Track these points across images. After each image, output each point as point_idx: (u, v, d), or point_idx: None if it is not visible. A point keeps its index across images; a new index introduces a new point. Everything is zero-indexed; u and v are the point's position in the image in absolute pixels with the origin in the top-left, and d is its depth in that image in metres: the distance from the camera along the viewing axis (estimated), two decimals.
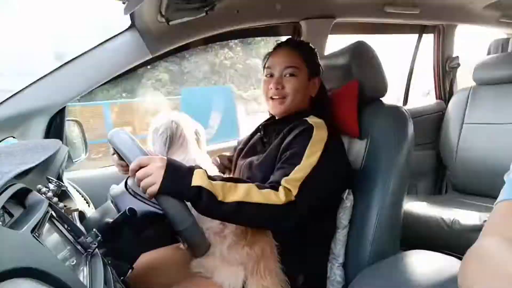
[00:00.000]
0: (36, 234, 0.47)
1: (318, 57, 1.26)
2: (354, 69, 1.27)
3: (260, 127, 1.27)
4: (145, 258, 1.19)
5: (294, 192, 0.97)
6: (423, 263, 1.01)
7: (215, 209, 0.91)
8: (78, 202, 1.17)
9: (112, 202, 1.04)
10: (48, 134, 1.34)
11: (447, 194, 2.23)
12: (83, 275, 0.57)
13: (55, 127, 1.34)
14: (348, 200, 1.17)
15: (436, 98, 2.41)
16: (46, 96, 1.27)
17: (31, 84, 1.25)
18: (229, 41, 1.70)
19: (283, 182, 0.99)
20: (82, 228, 0.87)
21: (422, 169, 2.28)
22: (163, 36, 1.34)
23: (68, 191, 1.17)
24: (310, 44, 1.26)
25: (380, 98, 1.32)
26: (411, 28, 2.24)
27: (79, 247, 0.66)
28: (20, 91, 1.24)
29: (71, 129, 1.58)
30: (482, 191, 1.97)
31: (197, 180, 0.89)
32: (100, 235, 0.69)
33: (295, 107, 1.18)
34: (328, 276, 1.16)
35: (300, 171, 1.01)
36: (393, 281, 0.93)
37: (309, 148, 1.04)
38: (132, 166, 0.89)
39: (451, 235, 1.62)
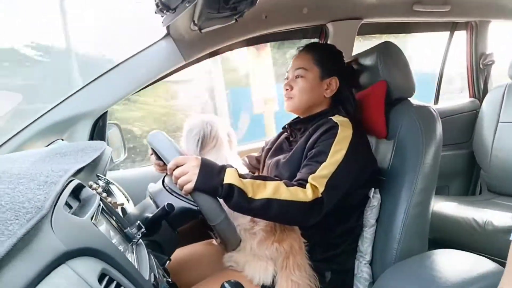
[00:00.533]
0: (94, 222, 0.55)
1: (342, 58, 1.28)
2: (381, 70, 1.29)
3: (286, 126, 1.32)
4: (181, 252, 1.27)
5: (321, 189, 1.01)
6: (450, 261, 1.02)
7: (245, 205, 0.96)
8: (120, 199, 1.27)
9: (151, 198, 1.13)
10: (92, 136, 1.46)
11: (481, 195, 2.16)
12: (133, 259, 0.64)
13: (98, 130, 1.45)
14: (375, 199, 1.19)
15: (470, 96, 2.35)
16: (90, 101, 1.38)
17: (77, 91, 1.36)
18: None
19: (309, 179, 1.03)
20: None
21: (455, 169, 2.23)
22: (196, 43, 1.42)
23: (111, 188, 1.28)
24: (332, 45, 1.29)
25: (408, 98, 1.33)
26: (443, 26, 2.20)
27: (124, 237, 0.74)
28: (68, 97, 1.36)
29: (111, 132, 1.70)
30: None
31: (229, 178, 0.95)
32: (143, 227, 0.77)
33: (304, 107, 1.23)
34: (355, 274, 1.19)
35: (326, 169, 1.04)
36: (418, 279, 0.94)
37: (334, 146, 1.08)
38: (169, 165, 0.97)
39: (483, 236, 1.58)
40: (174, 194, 1.09)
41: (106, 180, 0.80)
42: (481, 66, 2.24)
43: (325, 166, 1.05)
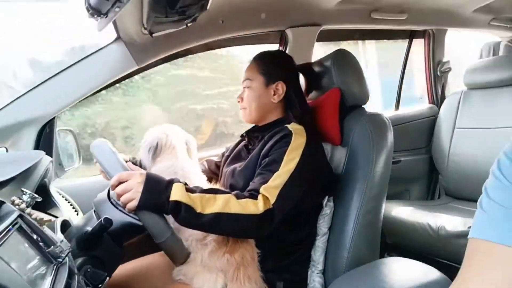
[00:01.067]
0: None
1: (289, 63, 1.28)
2: (335, 77, 1.29)
3: (244, 134, 1.30)
4: (131, 265, 1.22)
5: (272, 200, 1.00)
6: (398, 270, 1.03)
7: (194, 221, 0.93)
8: (65, 211, 1.20)
9: (94, 211, 1.07)
10: (38, 144, 1.38)
11: (439, 199, 2.22)
12: (47, 283, 0.60)
13: (45, 137, 1.37)
14: (327, 207, 1.19)
15: (429, 103, 2.42)
16: (35, 107, 1.31)
17: (20, 96, 1.29)
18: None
19: (261, 190, 1.01)
20: (60, 237, 0.90)
21: (415, 174, 2.28)
22: (148, 47, 1.37)
23: (55, 200, 1.21)
24: (279, 50, 1.30)
25: (363, 106, 1.34)
26: (402, 33, 2.25)
27: (48, 256, 0.69)
28: (10, 103, 1.28)
29: (64, 139, 1.63)
30: (473, 195, 1.96)
31: (175, 194, 0.92)
32: (69, 246, 0.72)
33: (257, 116, 1.24)
34: (308, 283, 1.18)
35: (279, 178, 1.03)
36: None
37: (287, 155, 1.07)
38: (112, 181, 0.92)
39: (437, 241, 1.62)
40: (119, 208, 1.04)
41: (31, 195, 0.74)
42: (438, 73, 2.31)
43: (277, 175, 1.04)
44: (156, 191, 0.90)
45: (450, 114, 2.18)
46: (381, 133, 1.23)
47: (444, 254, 1.62)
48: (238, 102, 1.27)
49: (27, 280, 0.53)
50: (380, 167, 1.19)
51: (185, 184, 0.96)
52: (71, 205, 1.34)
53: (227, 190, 1.04)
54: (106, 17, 0.76)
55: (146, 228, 0.91)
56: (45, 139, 1.38)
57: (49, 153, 1.41)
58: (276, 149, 1.10)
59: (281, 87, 1.22)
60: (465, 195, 2.06)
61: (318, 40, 1.79)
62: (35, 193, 0.90)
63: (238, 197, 0.99)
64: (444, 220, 1.64)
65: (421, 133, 2.30)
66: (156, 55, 1.41)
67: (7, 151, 1.33)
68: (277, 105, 1.24)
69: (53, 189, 1.26)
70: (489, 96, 2.03)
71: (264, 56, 1.28)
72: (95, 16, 0.75)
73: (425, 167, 2.30)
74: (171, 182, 0.94)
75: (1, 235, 0.57)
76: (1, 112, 1.29)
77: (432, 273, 0.99)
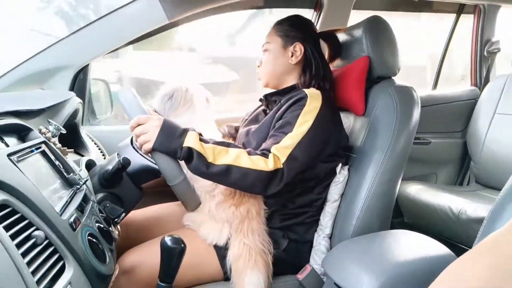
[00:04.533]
0: (14, 159, 0.56)
1: (308, 26, 1.25)
2: (366, 45, 1.25)
3: (263, 98, 1.30)
4: (148, 210, 1.30)
5: (283, 159, 1.01)
6: (404, 242, 1.02)
7: (204, 169, 0.97)
8: (93, 152, 1.28)
9: (117, 153, 1.14)
10: (72, 90, 1.46)
11: (468, 186, 2.13)
12: (61, 203, 0.66)
13: (78, 84, 1.45)
14: (341, 175, 1.18)
15: (471, 85, 2.27)
16: (70, 54, 1.37)
17: (55, 42, 1.35)
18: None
19: (273, 149, 1.02)
20: (83, 172, 0.97)
21: (445, 157, 2.18)
22: (180, 2, 1.38)
23: (84, 141, 1.29)
24: (298, 14, 1.29)
25: (392, 77, 1.29)
26: (450, 7, 2.10)
27: (68, 181, 0.75)
28: (46, 48, 1.35)
29: (99, 88, 1.71)
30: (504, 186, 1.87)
31: (189, 141, 0.95)
32: (87, 175, 0.78)
33: (273, 79, 1.24)
34: (313, 246, 1.20)
35: (290, 139, 1.04)
36: (364, 255, 0.95)
37: (301, 117, 1.07)
38: (131, 123, 0.97)
39: (457, 225, 1.57)
40: (139, 152, 1.10)
41: (56, 126, 0.81)
42: (485, 53, 2.14)
43: (290, 136, 1.05)
44: (170, 136, 0.94)
45: (492, 98, 2.04)
46: (408, 106, 1.18)
47: (463, 238, 1.58)
48: (258, 67, 1.27)
49: (45, 195, 0.59)
50: (401, 140, 1.15)
51: (200, 134, 0.99)
52: (99, 149, 1.42)
53: (240, 146, 1.06)
54: None
55: (160, 170, 0.96)
56: (78, 85, 1.46)
57: (82, 99, 1.50)
58: (290, 111, 1.10)
59: (299, 48, 1.20)
60: (496, 184, 1.96)
61: (356, 8, 1.71)
62: (65, 130, 0.98)
63: (249, 153, 1.01)
64: (466, 205, 1.58)
65: (457, 116, 2.18)
66: (186, 11, 1.42)
67: None
68: (295, 68, 1.22)
69: (83, 132, 1.35)
70: None
71: (282, 20, 1.26)
72: None
73: (457, 152, 2.19)
74: (186, 130, 0.97)
75: (23, 153, 0.62)
76: (38, 56, 1.37)
77: (439, 248, 0.97)
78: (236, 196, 1.09)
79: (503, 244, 0.47)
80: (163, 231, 1.21)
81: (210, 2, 1.44)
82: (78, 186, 0.75)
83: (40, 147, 0.71)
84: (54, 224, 0.53)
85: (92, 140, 1.41)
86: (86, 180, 0.78)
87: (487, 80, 2.18)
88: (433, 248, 0.97)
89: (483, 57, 2.17)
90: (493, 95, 2.04)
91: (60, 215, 0.59)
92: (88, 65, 1.44)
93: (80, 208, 0.68)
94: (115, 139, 1.39)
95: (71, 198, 0.70)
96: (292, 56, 1.20)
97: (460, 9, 2.10)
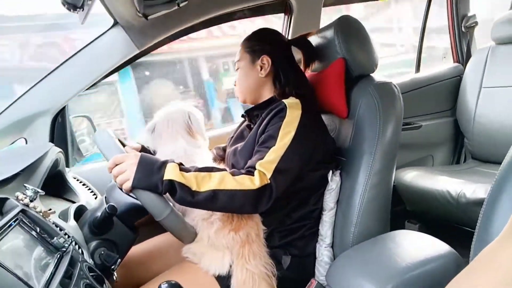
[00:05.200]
0: None
1: (274, 37, 1.24)
2: (339, 46, 1.23)
3: (245, 113, 1.29)
4: (144, 245, 1.28)
5: (269, 174, 1.00)
6: (406, 244, 1.01)
7: (190, 199, 0.95)
8: (83, 196, 1.26)
9: (105, 196, 1.13)
10: (53, 133, 1.45)
11: (465, 163, 2.12)
12: (47, 273, 0.64)
13: (58, 126, 1.44)
14: (333, 181, 1.17)
15: (454, 62, 2.25)
16: (44, 99, 1.36)
17: (29, 89, 1.34)
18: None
19: (257, 165, 1.01)
20: (71, 224, 0.96)
21: (439, 138, 2.18)
22: (146, 30, 1.36)
23: (72, 186, 1.27)
24: (263, 28, 1.28)
25: (371, 74, 1.27)
26: None
27: (52, 246, 0.73)
28: (21, 96, 1.34)
29: (81, 125, 1.69)
30: (501, 159, 1.85)
31: (169, 173, 0.93)
32: (71, 236, 0.76)
33: (249, 95, 1.23)
34: (316, 257, 1.19)
35: (274, 153, 1.03)
36: (366, 264, 0.94)
37: (282, 129, 1.05)
38: (108, 164, 0.95)
39: (457, 208, 1.57)
40: (124, 191, 1.08)
41: (33, 189, 0.79)
42: (463, 29, 2.13)
43: (273, 150, 1.03)
44: (149, 171, 0.93)
45: (476, 72, 2.03)
46: (389, 102, 1.16)
47: (465, 221, 1.57)
48: (234, 85, 1.27)
49: (23, 275, 0.57)
50: (387, 138, 1.14)
51: (180, 164, 0.98)
52: (89, 189, 1.41)
53: (223, 168, 1.05)
54: (82, 10, 0.75)
55: (145, 207, 0.95)
56: (58, 128, 1.44)
57: (64, 140, 1.48)
58: (271, 124, 1.09)
59: (266, 61, 1.19)
60: (492, 158, 1.96)
61: (326, 5, 1.69)
62: (50, 181, 0.96)
63: (233, 174, 0.99)
64: (465, 187, 1.57)
65: (444, 95, 2.17)
66: (155, 38, 1.40)
67: (26, 141, 1.40)
68: (267, 80, 1.21)
69: (70, 176, 1.33)
70: None
71: (249, 37, 1.26)
72: (72, 10, 0.75)
73: (449, 131, 2.18)
74: (165, 162, 0.95)
75: (2, 231, 0.61)
76: (14, 105, 1.35)
77: (439, 247, 0.96)
78: (235, 221, 1.07)
79: (501, 258, 0.47)
80: (163, 265, 1.20)
81: (175, 26, 1.42)
82: (64, 249, 0.74)
83: (17, 218, 0.69)
84: None
85: (81, 182, 1.39)
86: (72, 241, 0.76)
87: (469, 55, 2.16)
88: (434, 248, 0.96)
89: (462, 33, 2.15)
90: (476, 70, 2.03)
91: None
92: (65, 106, 1.42)
93: (68, 275, 0.67)
94: (105, 176, 1.38)
95: (57, 265, 0.68)
96: (261, 69, 1.19)
97: None
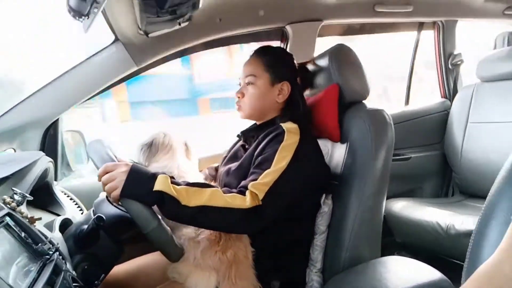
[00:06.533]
0: None
1: (292, 61, 1.26)
2: (333, 73, 1.27)
3: (240, 134, 1.29)
4: (129, 264, 1.24)
5: (261, 196, 0.98)
6: (396, 270, 1.00)
7: (178, 212, 0.93)
8: (69, 209, 1.23)
9: (93, 210, 1.10)
10: (44, 145, 1.43)
11: (453, 197, 2.15)
12: (28, 280, 0.61)
13: (49, 139, 1.42)
14: (325, 205, 1.17)
15: (441, 97, 2.34)
16: (38, 110, 1.35)
17: (24, 99, 1.33)
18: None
19: (250, 186, 1.00)
20: (56, 235, 0.93)
21: (427, 171, 2.21)
22: (146, 48, 1.39)
23: (58, 199, 1.24)
24: (282, 48, 1.28)
25: (363, 101, 1.31)
26: (411, 25, 2.19)
27: (36, 253, 0.70)
28: (15, 106, 1.33)
29: (73, 139, 1.67)
30: (487, 193, 1.89)
31: (159, 185, 0.92)
32: (55, 244, 0.73)
33: (257, 114, 1.22)
34: (306, 282, 1.16)
35: (268, 176, 1.02)
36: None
37: (279, 153, 1.05)
38: (99, 172, 0.94)
39: (447, 240, 1.57)
40: (114, 203, 1.06)
41: (21, 194, 0.77)
42: (450, 66, 2.23)
43: (268, 173, 1.02)
44: (139, 181, 0.91)
45: (463, 108, 2.10)
46: (381, 129, 1.19)
47: (454, 253, 1.57)
48: (238, 97, 1.23)
49: (4, 277, 0.55)
50: (379, 164, 1.15)
51: (171, 177, 0.96)
52: (76, 204, 1.37)
53: (215, 185, 1.04)
54: (88, 18, 0.77)
55: (132, 218, 0.92)
56: (49, 140, 1.42)
57: (55, 153, 1.46)
58: (269, 147, 1.09)
59: (286, 87, 1.20)
60: (479, 192, 1.99)
61: (321, 35, 1.76)
62: (37, 192, 0.93)
63: (225, 192, 0.98)
64: (454, 219, 1.58)
65: (432, 129, 2.23)
66: (154, 56, 1.42)
67: (14, 151, 1.38)
68: (280, 105, 1.22)
69: (57, 189, 1.30)
70: (503, 89, 1.94)
71: (268, 52, 1.24)
72: (77, 18, 0.77)
73: (437, 164, 2.22)
74: (156, 174, 0.94)
75: None
76: (7, 114, 1.34)
77: (432, 274, 0.95)
78: (222, 241, 1.05)
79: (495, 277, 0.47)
80: (148, 285, 1.16)
81: (175, 45, 1.45)
82: (48, 257, 0.71)
83: (3, 221, 0.67)
84: None
85: (68, 196, 1.36)
86: (57, 249, 0.73)
87: (455, 91, 2.25)
88: (425, 274, 0.95)
89: (448, 70, 2.25)
90: (463, 105, 2.10)
91: None
92: (58, 119, 1.41)
93: (50, 283, 0.64)
94: (92, 193, 1.35)
95: (40, 272, 0.65)
96: (279, 94, 1.20)
97: (421, 27, 2.19)
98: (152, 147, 1.27)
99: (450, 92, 2.28)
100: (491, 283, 0.46)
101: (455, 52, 2.22)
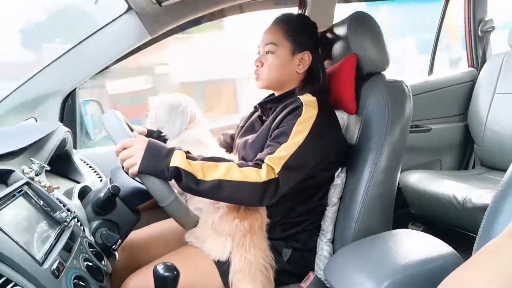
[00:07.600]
0: None
1: (315, 30, 1.21)
2: (352, 42, 1.22)
3: (257, 105, 1.28)
4: (147, 229, 1.29)
5: (277, 169, 0.99)
6: (403, 242, 1.00)
7: (195, 187, 0.95)
8: (88, 177, 1.28)
9: (110, 178, 1.14)
10: (63, 114, 1.46)
11: (473, 170, 2.09)
12: (47, 244, 0.65)
13: (67, 108, 1.45)
14: (339, 178, 1.16)
15: (468, 66, 2.22)
16: (56, 80, 1.37)
17: (41, 70, 1.35)
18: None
19: (266, 160, 1.00)
20: (75, 202, 0.97)
21: (448, 143, 2.15)
22: (159, 17, 1.36)
23: (78, 167, 1.29)
24: (305, 15, 1.23)
25: (382, 72, 1.26)
26: None
27: (54, 220, 0.74)
28: (32, 77, 1.35)
29: (91, 108, 1.70)
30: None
31: (176, 161, 0.94)
32: (73, 211, 0.77)
33: (276, 83, 1.19)
34: (316, 251, 1.18)
35: (285, 150, 1.02)
36: (365, 260, 0.93)
37: (296, 127, 1.04)
38: (116, 148, 0.96)
39: (462, 213, 1.54)
40: (129, 174, 1.09)
41: (39, 164, 0.80)
42: (479, 33, 2.09)
43: (284, 147, 1.02)
44: (156, 157, 0.93)
45: (490, 78, 1.99)
46: (399, 101, 1.16)
47: (469, 227, 1.55)
48: (257, 66, 1.20)
49: (23, 243, 0.58)
50: (394, 137, 1.13)
51: (187, 152, 0.98)
52: (95, 171, 1.42)
53: (230, 159, 1.05)
54: None
55: (150, 192, 0.96)
56: (68, 110, 1.46)
57: (73, 122, 1.50)
58: (286, 121, 1.08)
59: (307, 57, 1.16)
60: (501, 165, 1.92)
61: (341, 1, 1.68)
62: (57, 160, 0.97)
63: (240, 166, 0.99)
64: (471, 192, 1.55)
65: (456, 100, 2.13)
66: (168, 24, 1.40)
67: (36, 121, 1.42)
68: (299, 76, 1.19)
69: (77, 157, 1.35)
70: None
71: (289, 20, 1.19)
72: None
73: (459, 136, 2.15)
74: (172, 149, 0.96)
75: (4, 200, 0.62)
76: (25, 85, 1.37)
77: (441, 248, 0.95)
78: (241, 210, 1.07)
79: (499, 255, 0.47)
80: (164, 249, 1.21)
81: (189, 14, 1.42)
82: (66, 224, 0.75)
83: (22, 190, 0.70)
84: (34, 276, 0.53)
85: (87, 164, 1.41)
86: (74, 217, 0.77)
87: (484, 60, 2.13)
88: (435, 248, 0.94)
89: (478, 37, 2.11)
90: (491, 75, 1.99)
91: (42, 263, 0.58)
92: (75, 89, 1.44)
93: (67, 248, 0.68)
94: (111, 160, 1.39)
95: (58, 238, 0.69)
96: (299, 64, 1.17)
97: None
98: (184, 114, 1.25)
99: (478, 61, 2.15)
100: (495, 260, 0.46)
101: (486, 18, 2.07)
